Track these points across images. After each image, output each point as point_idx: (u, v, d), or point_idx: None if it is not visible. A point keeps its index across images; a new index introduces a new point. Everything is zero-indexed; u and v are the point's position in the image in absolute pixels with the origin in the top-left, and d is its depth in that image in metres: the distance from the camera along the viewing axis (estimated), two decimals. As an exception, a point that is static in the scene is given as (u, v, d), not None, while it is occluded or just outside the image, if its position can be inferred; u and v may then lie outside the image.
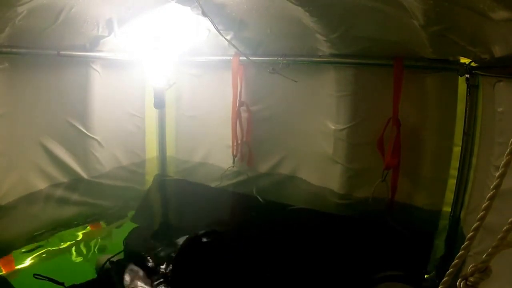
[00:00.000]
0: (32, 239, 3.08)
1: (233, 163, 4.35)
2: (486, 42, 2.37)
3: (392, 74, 3.30)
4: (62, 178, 4.08)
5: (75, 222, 3.40)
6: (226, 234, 2.59)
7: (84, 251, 3.00)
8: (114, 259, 2.56)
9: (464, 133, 3.17)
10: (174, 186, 4.47)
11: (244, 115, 4.27)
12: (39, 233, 3.19)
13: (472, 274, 1.06)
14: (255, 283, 2.27)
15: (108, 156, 4.47)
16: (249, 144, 4.34)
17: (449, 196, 3.37)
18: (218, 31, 3.20)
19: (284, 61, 3.74)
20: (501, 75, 2.32)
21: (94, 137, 4.27)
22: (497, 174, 1.09)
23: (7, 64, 3.39)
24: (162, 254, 2.57)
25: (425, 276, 2.59)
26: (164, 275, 2.37)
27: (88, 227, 3.35)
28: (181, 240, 2.66)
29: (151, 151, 5.08)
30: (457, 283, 1.08)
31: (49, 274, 2.64)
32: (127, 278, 2.35)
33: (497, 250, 1.03)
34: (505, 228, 1.03)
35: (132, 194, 4.18)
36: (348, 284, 2.43)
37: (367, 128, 3.58)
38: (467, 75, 3.05)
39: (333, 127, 3.79)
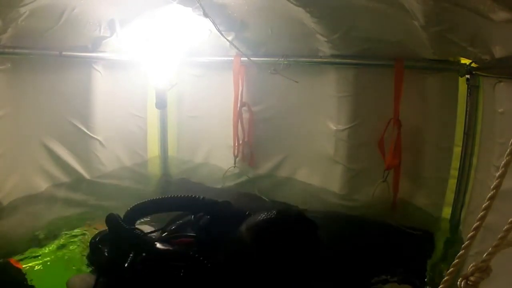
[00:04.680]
0: (34, 240, 3.09)
1: (234, 163, 4.37)
2: (486, 43, 2.38)
3: (393, 74, 3.31)
4: (64, 178, 4.09)
5: (78, 223, 3.41)
6: None
7: (87, 251, 3.00)
8: None
9: (465, 133, 3.17)
10: (179, 186, 4.47)
11: (245, 115, 4.28)
12: (41, 234, 3.20)
13: (472, 274, 1.07)
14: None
15: (110, 156, 4.48)
16: (251, 144, 4.35)
17: (450, 196, 3.36)
18: (220, 31, 3.22)
19: (285, 62, 3.75)
20: (502, 75, 2.32)
21: (96, 137, 4.28)
22: (497, 174, 1.09)
23: (9, 65, 3.40)
24: None
25: (426, 275, 2.60)
26: None
27: (90, 228, 3.35)
28: None
29: (153, 151, 5.09)
30: (458, 282, 1.09)
31: (51, 275, 2.67)
32: None
33: (497, 250, 1.04)
34: (505, 227, 1.04)
35: (134, 194, 4.19)
36: (351, 285, 2.44)
37: (368, 129, 3.59)
38: (467, 76, 3.06)
39: (334, 128, 3.79)
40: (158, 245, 1.94)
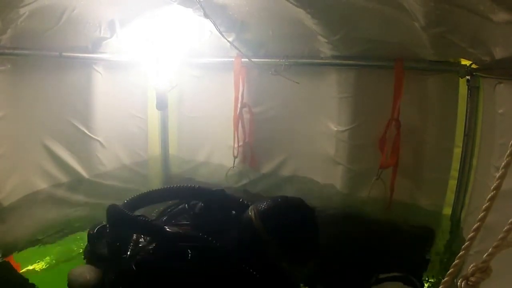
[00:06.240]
0: (35, 240, 3.09)
1: (233, 164, 4.36)
2: (486, 44, 2.38)
3: (393, 75, 3.30)
4: (64, 179, 4.09)
5: (78, 223, 3.41)
6: None
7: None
8: None
9: (465, 134, 3.18)
10: None
11: (246, 116, 4.28)
12: (42, 234, 3.21)
13: (473, 274, 1.07)
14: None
15: (110, 157, 4.48)
16: (251, 145, 4.35)
17: (450, 196, 3.37)
18: (220, 32, 3.22)
19: (286, 63, 3.75)
20: (502, 76, 2.33)
21: (97, 138, 4.28)
22: (497, 175, 1.09)
23: (9, 66, 3.40)
24: None
25: (426, 276, 2.60)
26: None
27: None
28: None
29: (154, 152, 5.09)
30: (458, 283, 1.09)
31: (52, 275, 2.66)
32: None
33: (497, 250, 1.04)
34: (505, 228, 1.04)
35: (134, 194, 4.18)
36: (350, 283, 2.43)
37: (369, 129, 3.59)
38: (468, 77, 3.06)
39: (335, 129, 3.79)
40: (168, 228, 2.12)
